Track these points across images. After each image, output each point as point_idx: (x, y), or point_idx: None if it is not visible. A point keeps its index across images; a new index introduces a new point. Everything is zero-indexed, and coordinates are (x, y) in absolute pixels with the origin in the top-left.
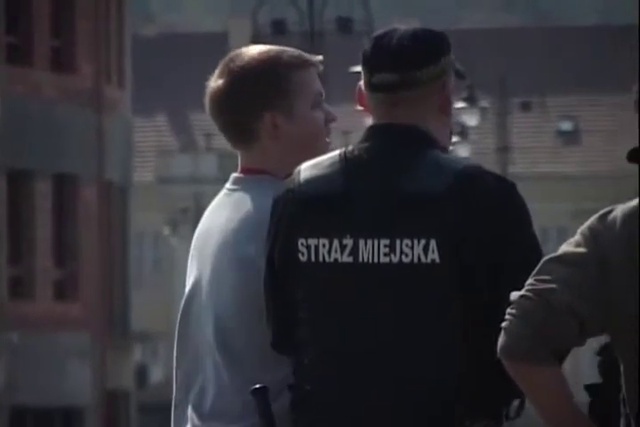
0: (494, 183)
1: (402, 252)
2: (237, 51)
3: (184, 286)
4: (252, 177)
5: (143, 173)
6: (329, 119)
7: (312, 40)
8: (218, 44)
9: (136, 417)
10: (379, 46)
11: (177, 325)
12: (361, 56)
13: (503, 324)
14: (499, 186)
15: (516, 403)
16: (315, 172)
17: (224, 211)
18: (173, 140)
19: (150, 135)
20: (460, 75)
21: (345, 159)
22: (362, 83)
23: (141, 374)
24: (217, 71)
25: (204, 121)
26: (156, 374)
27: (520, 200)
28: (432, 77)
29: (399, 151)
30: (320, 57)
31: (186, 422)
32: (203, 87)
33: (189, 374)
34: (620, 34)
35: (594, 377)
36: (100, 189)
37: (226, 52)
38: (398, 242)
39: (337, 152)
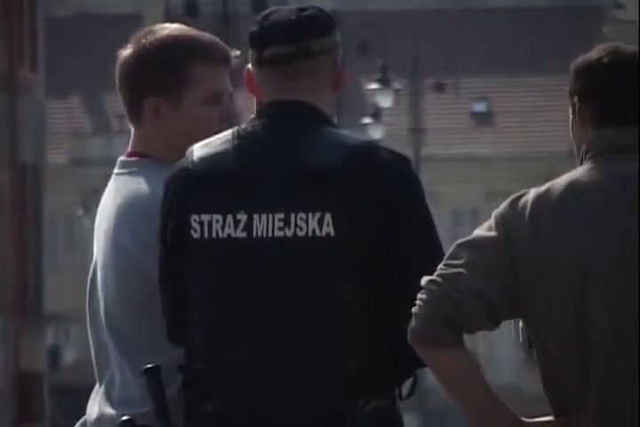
0: (391, 159)
1: (296, 225)
2: (156, 27)
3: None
4: (134, 161)
5: (57, 155)
6: (225, 117)
7: (225, 22)
8: (131, 26)
9: (49, 399)
10: (268, 23)
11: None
12: (249, 36)
13: (413, 309)
14: (396, 162)
15: (408, 383)
16: (208, 150)
17: (110, 195)
18: (87, 122)
19: (64, 117)
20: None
21: (238, 137)
22: (249, 65)
23: (54, 355)
24: (130, 42)
25: (117, 103)
26: (68, 356)
27: (415, 176)
28: (325, 50)
29: (294, 127)
30: (237, 52)
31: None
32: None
33: (99, 363)
34: (535, 16)
35: (509, 359)
36: (14, 172)
37: None
38: (293, 216)
39: (230, 131)
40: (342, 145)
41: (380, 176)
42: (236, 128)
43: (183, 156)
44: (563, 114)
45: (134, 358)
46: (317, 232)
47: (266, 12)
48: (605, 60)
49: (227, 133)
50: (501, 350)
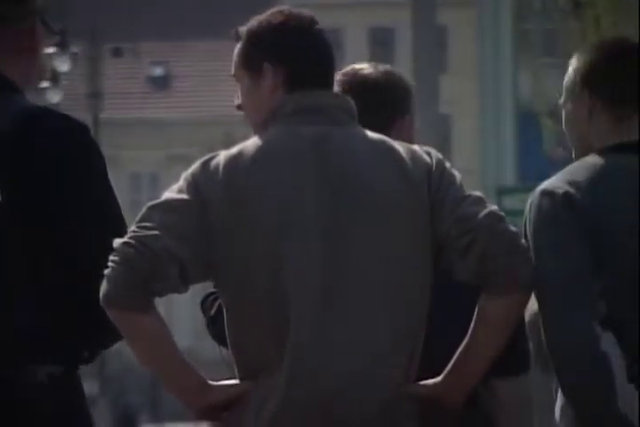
0: (61, 124)
1: None
2: None
3: None
4: None
5: None
6: None
7: None
8: None
9: None
10: None
11: None
12: None
13: (106, 271)
14: (66, 127)
15: (94, 348)
16: None
17: None
18: None
19: None
20: (48, 26)
21: None
22: None
23: None
24: None
25: None
26: None
27: (87, 142)
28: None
29: None
30: None
31: None
32: None
33: None
34: None
35: (188, 321)
36: None
37: None
38: None
39: None
40: (9, 111)
41: (45, 141)
42: None
43: None
44: None
45: None
46: None
47: None
48: (292, 23)
49: None
50: (181, 312)
